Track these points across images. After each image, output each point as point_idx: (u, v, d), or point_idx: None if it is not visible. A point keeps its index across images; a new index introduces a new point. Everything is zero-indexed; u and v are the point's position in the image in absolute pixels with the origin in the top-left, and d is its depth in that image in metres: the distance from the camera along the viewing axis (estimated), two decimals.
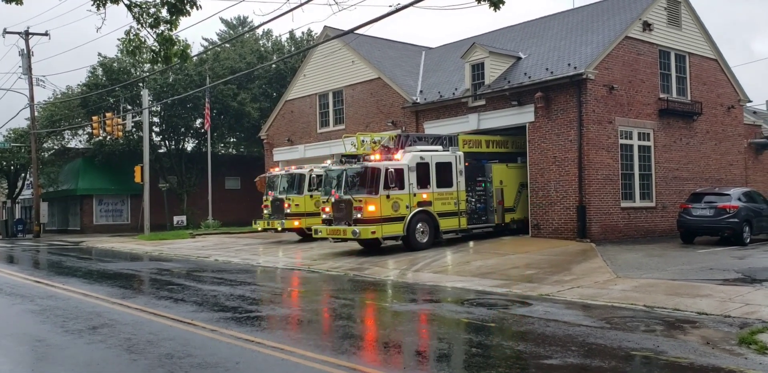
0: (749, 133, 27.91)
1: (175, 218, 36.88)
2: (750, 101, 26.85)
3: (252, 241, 23.88)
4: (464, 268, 14.91)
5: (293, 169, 23.60)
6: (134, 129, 36.66)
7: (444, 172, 19.12)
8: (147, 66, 40.04)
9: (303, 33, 48.21)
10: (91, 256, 22.71)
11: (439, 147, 19.81)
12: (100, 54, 40.80)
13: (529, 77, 20.97)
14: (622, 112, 20.59)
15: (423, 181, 18.50)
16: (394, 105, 25.51)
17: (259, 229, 24.28)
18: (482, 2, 8.53)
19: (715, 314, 9.13)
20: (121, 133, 33.43)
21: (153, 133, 39.09)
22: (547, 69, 20.83)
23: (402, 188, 17.90)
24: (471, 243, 19.36)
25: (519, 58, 23.24)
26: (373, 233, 17.18)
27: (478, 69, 22.79)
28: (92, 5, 10.33)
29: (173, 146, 41.64)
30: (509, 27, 28.37)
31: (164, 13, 11.51)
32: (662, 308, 9.66)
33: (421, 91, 25.26)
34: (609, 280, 12.45)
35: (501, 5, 8.52)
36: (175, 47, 11.77)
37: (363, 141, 19.80)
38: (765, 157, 30.00)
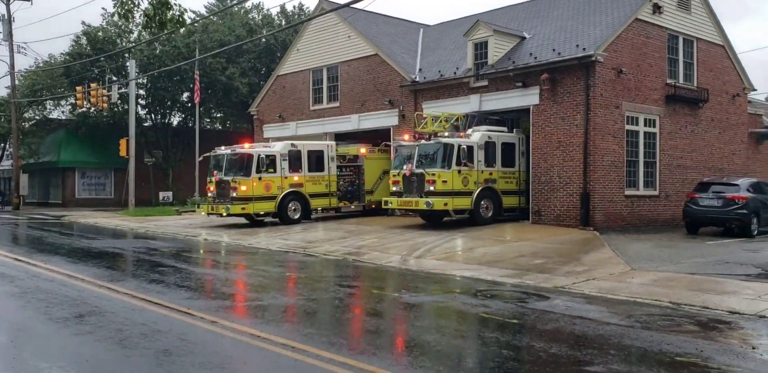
0: (751, 122, 27.45)
1: (161, 194, 35.90)
2: (755, 90, 26.33)
3: (238, 220, 23.05)
4: (468, 255, 14.29)
5: (240, 149, 21.56)
6: (119, 101, 35.48)
7: (508, 152, 20.15)
8: (133, 36, 38.81)
9: (294, 7, 46.97)
10: (73, 232, 21.83)
11: (504, 128, 20.67)
12: (84, 22, 39.32)
13: (535, 58, 20.20)
14: (629, 97, 19.93)
15: (489, 160, 19.56)
16: (392, 83, 24.64)
17: (203, 213, 22.62)
18: None
19: (749, 313, 8.56)
20: (105, 105, 32.35)
21: (139, 106, 37.88)
22: (554, 50, 20.08)
23: (471, 164, 18.90)
24: (473, 228, 18.70)
25: (524, 38, 22.44)
26: (446, 204, 18.24)
27: (481, 48, 21.96)
28: None
29: (159, 120, 40.51)
30: (512, 6, 27.50)
31: None
32: (690, 306, 9.09)
33: (420, 70, 24.40)
34: (624, 272, 11.88)
35: None
36: (171, 12, 10.85)
37: (434, 119, 20.51)
38: (765, 147, 29.62)
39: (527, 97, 20.20)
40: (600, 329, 7.63)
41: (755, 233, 17.61)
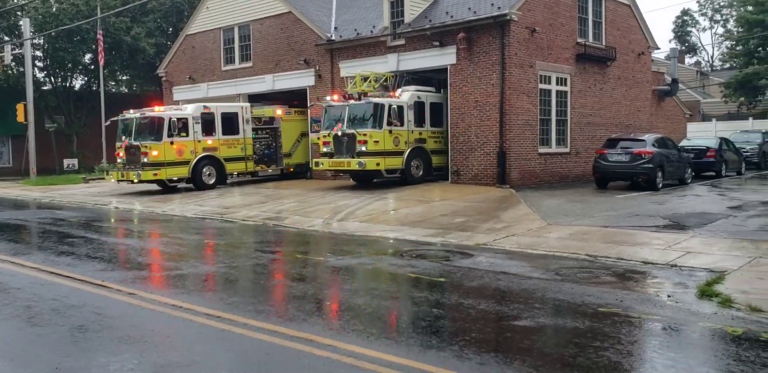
0: (654, 80, 28.52)
1: (66, 162, 34.07)
2: (658, 48, 27.29)
3: (150, 187, 22.21)
4: (391, 216, 14.30)
5: (150, 112, 20.61)
6: (14, 63, 33.07)
7: (437, 112, 20.28)
8: None
9: None
10: None
11: (432, 88, 20.75)
12: None
13: (452, 17, 20.09)
14: (542, 56, 20.22)
15: (419, 120, 19.68)
16: (307, 42, 24.01)
17: (113, 180, 21.78)
18: None
19: (661, 263, 8.95)
20: None
21: (36, 69, 35.46)
22: (469, 9, 20.00)
23: (402, 124, 19.00)
24: (402, 188, 18.73)
25: None
26: (378, 165, 18.29)
27: (397, 6, 21.62)
28: None
29: (60, 83, 38.11)
30: None
31: None
32: (605, 258, 9.42)
33: (335, 28, 23.85)
34: (541, 227, 12.19)
35: None
36: None
37: (364, 79, 20.23)
38: (666, 104, 30.99)
39: (445, 57, 20.14)
40: (524, 284, 7.78)
41: (660, 186, 18.44)
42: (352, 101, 19.06)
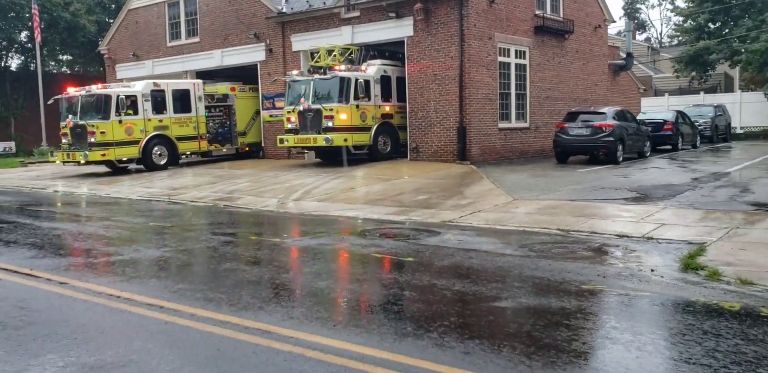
0: (609, 54, 28.31)
1: (2, 145, 32.31)
2: (614, 21, 27.04)
3: (97, 169, 21.04)
4: (350, 194, 13.62)
5: (96, 90, 19.48)
6: None
7: (403, 87, 19.43)
8: None
9: None
10: None
11: (399, 62, 19.92)
12: None
13: None
14: (501, 28, 19.64)
15: (385, 94, 19.10)
16: (257, 15, 22.90)
17: (58, 162, 20.58)
18: None
19: (636, 236, 8.52)
20: None
21: None
22: None
23: (369, 99, 18.41)
24: (366, 166, 18.02)
25: None
26: (345, 140, 17.71)
27: None
28: None
29: None
30: None
31: None
32: (578, 232, 8.95)
33: (286, 1, 22.78)
34: (508, 203, 11.69)
35: None
36: None
37: (329, 53, 19.37)
38: (621, 78, 30.89)
39: (401, 29, 19.36)
40: (498, 261, 7.23)
41: (621, 159, 18.17)
42: (317, 76, 18.38)
